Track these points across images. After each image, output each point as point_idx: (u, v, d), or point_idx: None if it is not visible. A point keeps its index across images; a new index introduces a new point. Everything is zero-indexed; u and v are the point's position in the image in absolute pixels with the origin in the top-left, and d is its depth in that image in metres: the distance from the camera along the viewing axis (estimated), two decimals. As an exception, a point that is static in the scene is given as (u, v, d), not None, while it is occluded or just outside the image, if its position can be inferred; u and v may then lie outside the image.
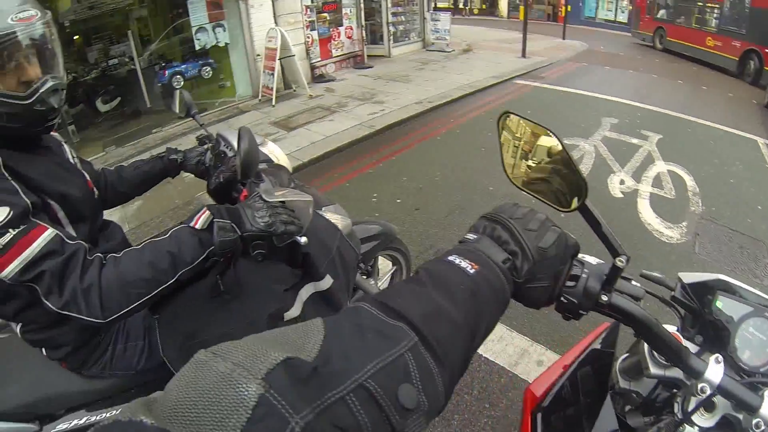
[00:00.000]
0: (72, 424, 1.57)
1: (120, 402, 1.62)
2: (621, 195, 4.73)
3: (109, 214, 1.74)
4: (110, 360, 1.56)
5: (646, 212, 4.43)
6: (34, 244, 1.13)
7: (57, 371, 1.56)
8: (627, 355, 1.04)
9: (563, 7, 17.15)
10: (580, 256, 0.83)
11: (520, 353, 2.68)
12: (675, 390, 0.93)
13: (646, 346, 0.91)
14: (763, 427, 0.75)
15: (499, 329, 2.84)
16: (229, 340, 1.29)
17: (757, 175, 5.70)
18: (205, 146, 2.08)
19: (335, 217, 2.02)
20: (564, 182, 0.81)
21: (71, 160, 1.58)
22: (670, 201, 4.70)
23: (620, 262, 0.74)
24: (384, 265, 2.81)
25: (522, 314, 2.96)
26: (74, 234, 1.32)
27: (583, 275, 0.77)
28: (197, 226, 1.27)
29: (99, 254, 1.21)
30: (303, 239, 1.41)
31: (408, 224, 4.02)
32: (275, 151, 2.04)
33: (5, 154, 1.23)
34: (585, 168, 4.98)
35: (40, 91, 1.27)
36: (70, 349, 1.49)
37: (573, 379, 1.18)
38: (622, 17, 21.66)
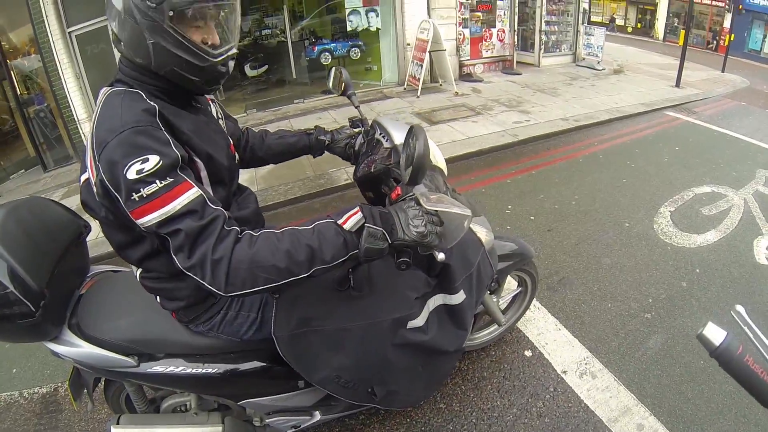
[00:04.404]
0: (168, 369, 1.63)
1: (219, 361, 1.68)
2: (767, 263, 4.24)
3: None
4: (219, 323, 1.61)
5: (793, 288, 4.03)
6: (177, 200, 1.13)
7: (166, 318, 1.64)
8: None
9: (726, 36, 15.75)
10: None
11: (622, 410, 2.48)
12: None
13: None
14: None
15: (607, 378, 2.68)
16: (345, 335, 1.47)
17: None
18: (357, 129, 2.01)
19: (481, 230, 1.95)
20: None
21: (219, 123, 1.61)
22: (823, 280, 4.30)
23: None
24: (510, 283, 2.75)
25: (635, 368, 2.77)
26: (212, 195, 1.29)
27: None
28: (346, 227, 1.22)
29: (237, 228, 1.19)
30: (441, 255, 1.30)
31: (538, 244, 4.02)
32: (434, 152, 1.87)
33: (161, 105, 1.26)
34: (730, 222, 4.63)
35: (227, 54, 1.35)
36: (183, 304, 1.53)
37: None
38: (793, 54, 19.66)
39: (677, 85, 10.47)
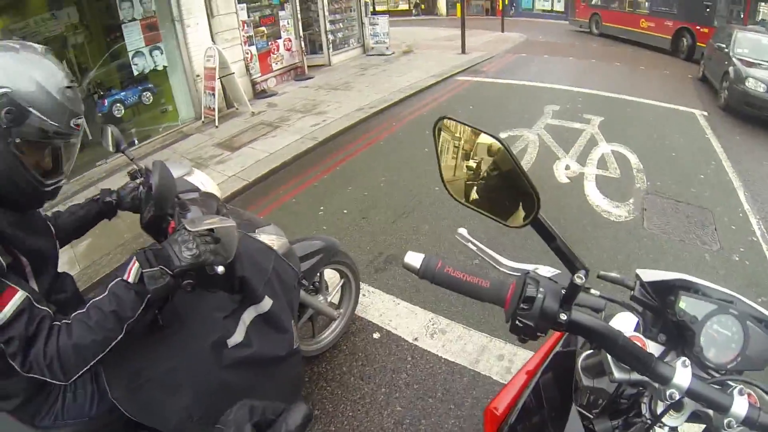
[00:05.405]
0: None
1: None
2: (567, 180, 4.76)
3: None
4: (61, 409, 1.54)
5: (593, 194, 4.47)
6: (6, 308, 1.16)
7: (9, 426, 1.51)
8: (590, 352, 0.99)
9: (500, 1, 17.34)
10: (533, 270, 0.83)
11: (479, 350, 2.66)
12: (641, 388, 0.89)
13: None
14: (735, 426, 0.74)
15: (457, 328, 2.82)
16: (175, 374, 1.61)
17: (696, 145, 5.86)
18: (138, 180, 2.05)
19: (270, 238, 2.03)
20: (512, 194, 0.77)
21: (40, 213, 1.62)
22: (615, 180, 4.77)
23: (579, 278, 0.73)
24: (333, 278, 2.79)
25: (479, 311, 2.91)
26: (37, 288, 1.34)
27: (539, 295, 0.75)
28: (130, 280, 1.31)
29: (58, 323, 1.25)
30: (220, 269, 1.38)
31: (356, 234, 3.98)
32: (202, 179, 2.05)
33: None
34: (530, 157, 4.99)
35: (57, 184, 1.42)
36: (21, 400, 1.46)
37: (537, 389, 1.15)
38: (559, 6, 22.30)
39: (463, 51, 11.10)
